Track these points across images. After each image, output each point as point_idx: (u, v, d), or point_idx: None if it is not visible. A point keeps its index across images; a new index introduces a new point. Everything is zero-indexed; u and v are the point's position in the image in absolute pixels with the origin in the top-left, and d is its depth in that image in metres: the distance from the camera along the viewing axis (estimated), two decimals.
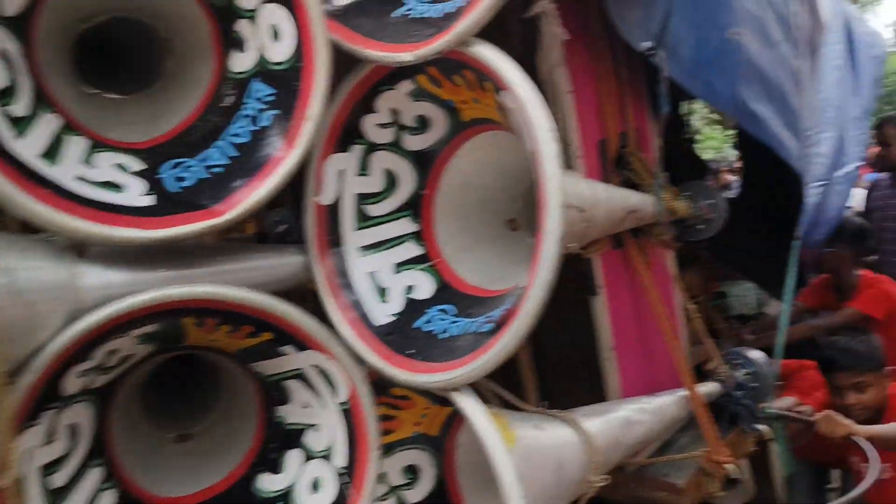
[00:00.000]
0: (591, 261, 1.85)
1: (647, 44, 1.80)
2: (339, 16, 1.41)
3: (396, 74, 1.41)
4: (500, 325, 1.29)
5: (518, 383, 1.86)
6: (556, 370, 2.07)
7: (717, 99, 1.93)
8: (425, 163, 1.53)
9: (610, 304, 1.88)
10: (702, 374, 2.14)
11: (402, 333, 1.42)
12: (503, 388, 2.07)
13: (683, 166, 3.19)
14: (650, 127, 2.06)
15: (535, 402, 1.98)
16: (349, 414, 1.40)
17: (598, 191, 1.60)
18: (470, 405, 1.29)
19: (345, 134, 1.48)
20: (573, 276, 1.89)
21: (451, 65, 1.33)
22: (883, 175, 3.85)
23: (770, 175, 2.65)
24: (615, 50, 1.91)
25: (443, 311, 1.45)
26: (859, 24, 3.55)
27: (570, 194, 1.39)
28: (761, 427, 1.97)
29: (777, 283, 2.81)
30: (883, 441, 2.07)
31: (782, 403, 2.35)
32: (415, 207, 1.54)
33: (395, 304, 1.47)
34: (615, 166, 1.93)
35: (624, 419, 1.70)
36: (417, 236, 1.54)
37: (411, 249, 1.53)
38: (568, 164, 1.81)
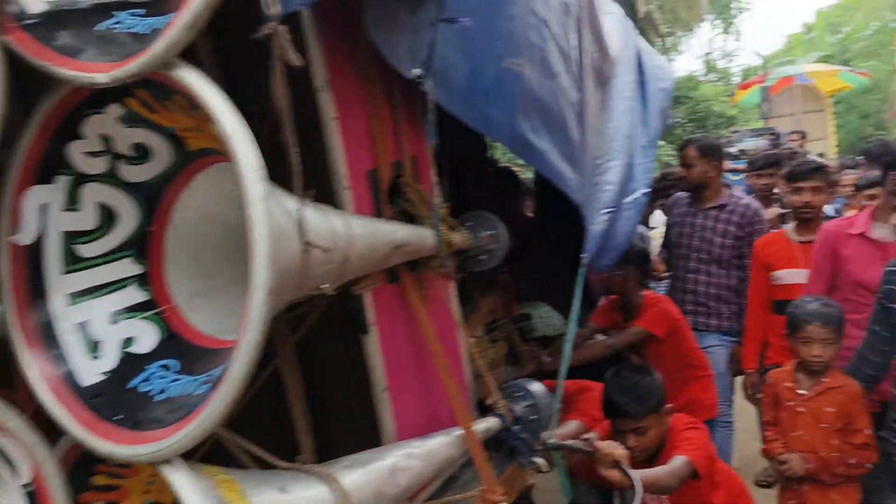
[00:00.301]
0: (361, 297, 1.74)
1: (416, 71, 1.73)
2: (30, 26, 1.19)
3: (103, 96, 1.21)
4: (216, 386, 1.13)
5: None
6: (335, 414, 1.95)
7: (493, 130, 1.89)
8: (150, 196, 1.34)
9: (383, 341, 1.78)
10: (487, 409, 2.11)
11: (112, 396, 1.22)
12: (275, 438, 1.92)
13: (488, 192, 3.20)
14: (430, 156, 1.99)
15: (311, 451, 1.85)
16: (34, 497, 1.18)
17: (353, 227, 1.48)
18: (179, 480, 1.11)
19: (46, 163, 1.26)
20: (343, 314, 1.78)
21: (161, 88, 1.16)
22: (683, 193, 4.07)
23: (565, 200, 2.69)
24: (388, 74, 1.82)
25: (165, 367, 1.26)
26: (650, 57, 3.74)
27: (311, 233, 1.27)
28: (538, 460, 1.95)
29: (570, 306, 2.87)
30: (650, 485, 2.09)
31: (566, 429, 2.37)
32: (139, 247, 1.34)
33: (108, 361, 1.27)
34: (389, 197, 1.84)
35: (389, 467, 1.60)
36: (142, 279, 1.34)
37: (133, 295, 1.33)
38: (332, 195, 1.70)
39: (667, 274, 4.10)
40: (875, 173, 4.43)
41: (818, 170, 3.39)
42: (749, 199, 3.98)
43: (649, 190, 3.22)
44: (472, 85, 1.85)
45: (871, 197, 3.94)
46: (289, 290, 1.24)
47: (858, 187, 4.20)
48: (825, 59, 23.17)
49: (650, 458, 2.30)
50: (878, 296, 2.58)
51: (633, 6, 22.62)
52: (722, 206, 3.81)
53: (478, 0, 1.86)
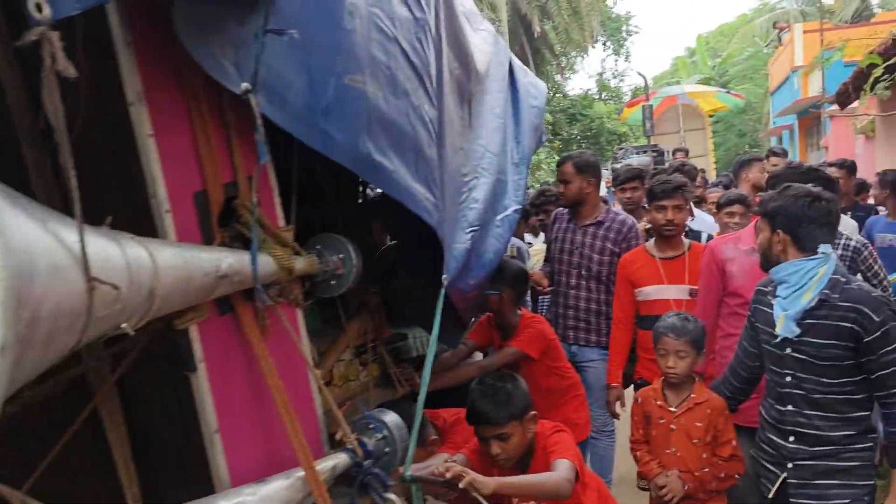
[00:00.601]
0: (187, 331, 1.58)
1: (244, 85, 1.60)
2: None
3: None
4: None
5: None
6: (164, 459, 1.77)
7: (334, 149, 1.77)
8: None
9: (213, 379, 1.62)
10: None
11: None
12: (98, 485, 1.72)
13: (354, 212, 3.08)
14: (271, 175, 1.86)
15: (137, 500, 1.67)
16: None
17: (161, 257, 1.33)
18: None
19: None
20: (169, 350, 1.62)
21: None
22: (563, 210, 4.10)
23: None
24: (220, 88, 1.68)
25: None
26: (523, 75, 3.74)
27: (98, 268, 1.11)
28: (392, 496, 1.83)
29: (441, 326, 2.78)
30: (520, 492, 2.05)
31: (434, 460, 2.28)
32: None
33: None
34: (222, 221, 1.69)
35: None
36: None
37: None
38: (150, 220, 1.54)
39: (551, 289, 4.11)
40: (736, 191, 4.64)
41: (680, 188, 3.46)
42: (625, 215, 4.07)
43: (521, 207, 3.20)
44: (311, 102, 1.73)
45: (731, 214, 4.11)
46: (67, 335, 1.08)
47: (719, 205, 4.37)
48: (706, 81, 24.62)
49: (523, 465, 2.25)
50: (748, 314, 2.63)
51: (529, 27, 23.22)
52: (599, 223, 3.88)
53: (315, 13, 1.74)
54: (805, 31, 17.79)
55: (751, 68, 26.06)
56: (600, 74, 31.69)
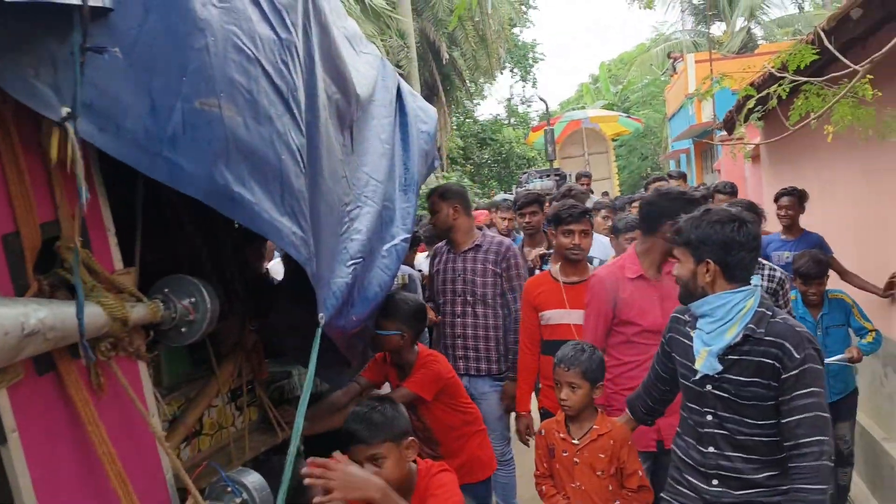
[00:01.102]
0: None
1: (65, 111, 1.39)
2: None
3: None
4: None
5: None
6: None
7: (185, 182, 1.57)
8: None
9: (29, 451, 1.39)
10: None
11: None
12: None
13: (220, 248, 2.86)
14: (105, 213, 1.64)
15: None
16: None
17: None
18: None
19: None
20: None
21: None
22: (442, 243, 4.02)
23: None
24: (37, 115, 1.46)
25: None
26: (412, 99, 3.63)
27: None
28: None
29: (323, 364, 2.59)
30: None
31: None
32: None
33: None
34: (41, 266, 1.46)
35: None
36: None
37: None
38: None
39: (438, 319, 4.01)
40: (634, 215, 4.66)
41: (586, 213, 3.44)
42: (501, 238, 4.06)
43: (410, 235, 3.06)
44: (153, 129, 1.52)
45: (632, 240, 4.11)
46: None
47: (617, 229, 4.36)
48: (609, 107, 25.49)
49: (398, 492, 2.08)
50: (662, 339, 2.51)
51: (437, 53, 23.43)
52: (478, 247, 3.85)
53: (157, 30, 1.54)
54: (697, 61, 18.70)
55: (649, 95, 27.21)
56: (508, 100, 32.36)
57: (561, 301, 3.44)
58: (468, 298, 3.80)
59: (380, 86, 3.25)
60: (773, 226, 5.30)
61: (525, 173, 12.79)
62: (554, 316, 3.44)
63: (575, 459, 2.63)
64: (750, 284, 2.15)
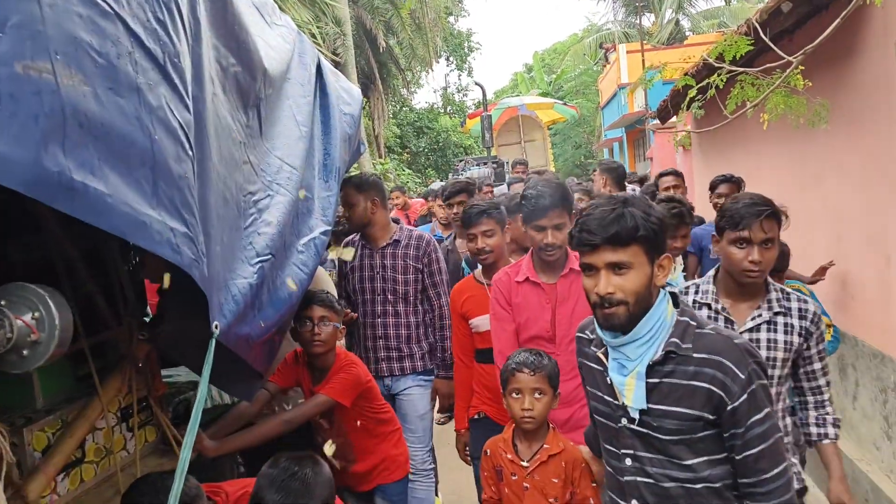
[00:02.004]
0: None
1: None
2: None
3: None
4: None
5: None
6: None
7: (3, 172, 1.19)
8: None
9: None
10: None
11: None
12: None
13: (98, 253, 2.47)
14: None
15: None
16: None
17: None
18: None
19: None
20: None
21: None
22: (355, 237, 3.69)
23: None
24: None
25: None
26: (335, 79, 3.28)
27: None
28: None
29: (230, 378, 2.24)
30: None
31: None
32: None
33: None
34: None
35: None
36: None
37: None
38: None
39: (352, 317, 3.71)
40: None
41: (486, 212, 3.09)
42: (420, 231, 3.76)
43: (331, 227, 2.73)
44: None
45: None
46: None
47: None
48: (543, 96, 25.40)
49: None
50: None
51: (374, 41, 22.93)
52: (396, 242, 3.56)
53: None
54: (628, 52, 18.82)
55: (582, 84, 27.33)
56: (445, 89, 32.01)
57: (487, 305, 3.06)
58: (389, 297, 3.50)
59: (296, 62, 2.89)
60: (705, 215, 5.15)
61: (462, 160, 12.46)
62: (483, 322, 3.08)
63: (525, 484, 2.32)
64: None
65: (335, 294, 3.36)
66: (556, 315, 2.58)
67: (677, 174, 5.08)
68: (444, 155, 26.32)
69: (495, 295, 2.73)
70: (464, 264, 4.36)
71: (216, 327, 1.75)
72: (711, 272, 2.41)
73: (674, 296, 1.68)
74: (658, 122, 10.39)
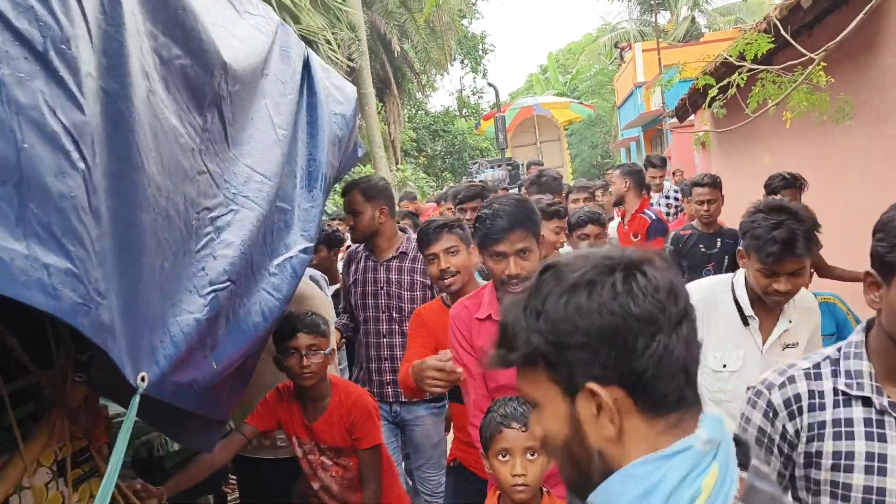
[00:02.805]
0: None
1: None
2: None
3: None
4: None
5: None
6: None
7: None
8: None
9: None
10: None
11: None
12: None
13: None
14: None
15: None
16: None
17: None
18: None
19: None
20: None
21: None
22: (357, 246, 3.32)
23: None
24: None
25: None
26: (325, 75, 2.91)
27: None
28: None
29: (182, 428, 1.88)
30: None
31: None
32: None
33: None
34: None
35: None
36: None
37: None
38: None
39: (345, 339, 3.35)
40: (587, 207, 4.03)
41: (446, 227, 2.53)
42: None
43: (312, 244, 2.35)
44: None
45: (585, 236, 3.47)
46: None
47: (570, 225, 3.65)
48: (559, 97, 24.90)
49: None
50: None
51: (389, 46, 22.66)
52: (403, 255, 3.16)
53: None
54: (644, 50, 18.29)
55: (598, 84, 26.79)
56: (460, 91, 31.59)
57: None
58: (394, 315, 3.11)
59: (276, 57, 2.52)
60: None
61: (476, 163, 12.00)
62: None
63: None
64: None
65: (332, 315, 2.98)
66: None
67: (714, 185, 4.14)
68: (460, 158, 25.92)
69: (454, 334, 2.16)
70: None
71: (143, 379, 1.38)
72: (856, 333, 1.38)
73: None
74: (676, 120, 9.99)
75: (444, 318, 2.41)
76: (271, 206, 2.13)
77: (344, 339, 3.36)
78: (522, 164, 10.63)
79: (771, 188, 3.71)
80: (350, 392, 2.43)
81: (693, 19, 23.98)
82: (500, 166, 10.40)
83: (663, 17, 24.90)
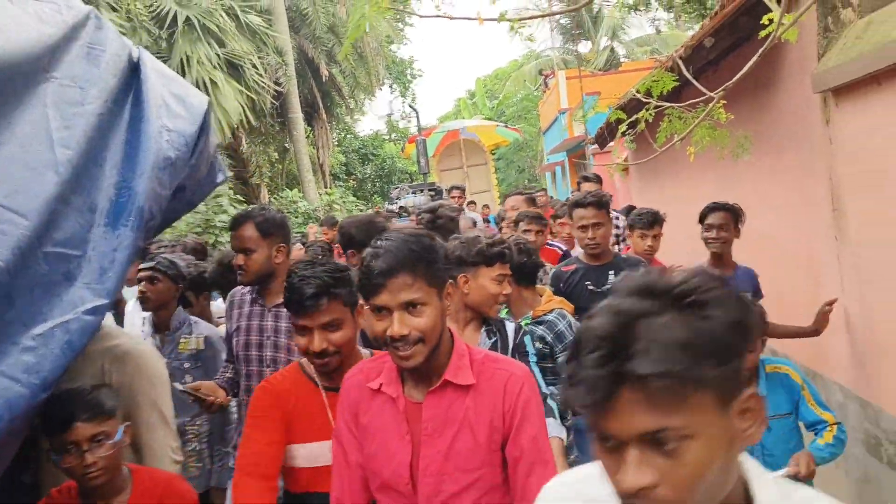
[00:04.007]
0: None
1: None
2: None
3: None
4: None
5: None
6: None
7: None
8: None
9: None
10: None
11: None
12: None
13: None
14: None
15: None
16: None
17: None
18: None
19: None
20: None
21: None
22: (243, 289, 2.72)
23: None
24: None
25: None
26: (163, 83, 2.29)
27: None
28: None
29: None
30: None
31: None
32: None
33: None
34: None
35: None
36: None
37: None
38: None
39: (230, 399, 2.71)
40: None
41: (324, 295, 1.86)
42: None
43: (109, 301, 1.72)
44: None
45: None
46: None
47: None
48: (486, 121, 24.74)
49: None
50: None
51: (316, 70, 22.02)
52: None
53: None
54: (567, 78, 18.28)
55: (524, 109, 26.81)
56: (389, 116, 31.15)
57: (324, 422, 1.79)
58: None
59: (73, 56, 1.91)
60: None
61: (397, 188, 11.41)
62: (312, 453, 1.82)
63: None
64: None
65: (162, 374, 2.30)
66: (426, 457, 1.46)
67: (600, 205, 3.25)
68: (389, 181, 25.41)
69: (341, 406, 1.59)
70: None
71: None
72: None
73: None
74: (597, 146, 9.84)
75: (304, 392, 1.84)
76: (27, 253, 1.50)
77: (230, 399, 2.72)
78: (444, 190, 10.16)
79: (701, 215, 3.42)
80: (156, 480, 1.81)
81: (612, 49, 24.33)
82: (422, 191, 9.88)
83: (584, 47, 25.21)
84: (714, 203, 3.40)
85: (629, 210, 5.35)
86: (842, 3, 3.23)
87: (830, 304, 3.08)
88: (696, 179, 5.51)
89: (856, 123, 3.02)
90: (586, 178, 6.20)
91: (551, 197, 10.88)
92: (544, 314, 2.74)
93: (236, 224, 2.62)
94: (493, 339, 2.31)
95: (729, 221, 3.30)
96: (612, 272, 3.18)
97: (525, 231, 3.94)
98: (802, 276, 3.66)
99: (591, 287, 3.16)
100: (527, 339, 2.37)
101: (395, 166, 25.87)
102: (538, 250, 3.56)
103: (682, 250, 4.82)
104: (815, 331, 3.12)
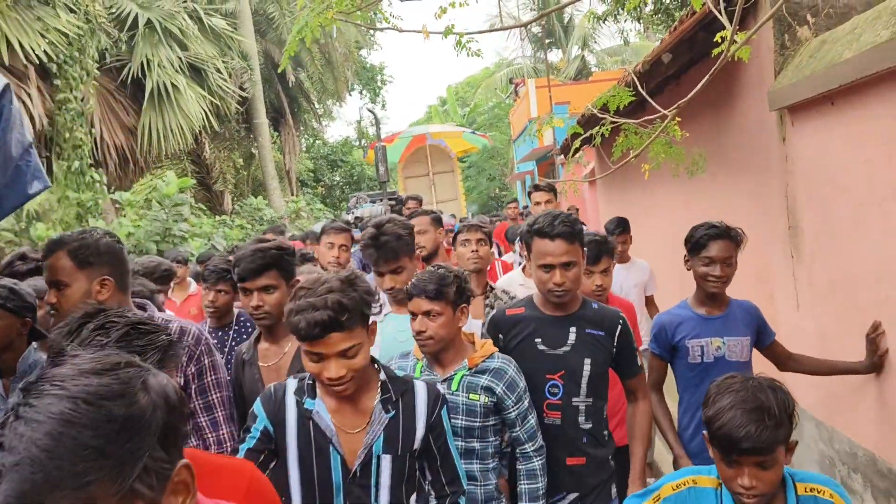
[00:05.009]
0: None
1: None
2: None
3: None
4: None
5: None
6: None
7: None
8: None
9: None
10: None
11: None
12: None
13: None
14: None
15: None
16: None
17: None
18: None
19: None
20: None
21: None
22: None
23: None
24: None
25: None
26: None
27: None
28: None
29: None
30: None
31: None
32: None
33: None
34: None
35: None
36: None
37: None
38: None
39: None
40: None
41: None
42: (184, 323, 2.24)
43: None
44: None
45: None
46: None
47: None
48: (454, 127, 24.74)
49: None
50: None
51: (283, 75, 21.82)
52: None
53: None
54: (538, 87, 18.39)
55: (495, 117, 26.95)
56: (359, 122, 31.06)
57: None
58: None
59: None
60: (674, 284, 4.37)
61: (354, 197, 11.25)
62: None
63: None
64: None
65: None
66: None
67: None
68: (359, 188, 25.30)
69: None
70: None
71: None
72: None
73: None
74: (564, 157, 9.89)
75: None
76: None
77: None
78: (404, 199, 10.08)
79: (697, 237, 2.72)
80: None
81: (583, 58, 24.58)
82: (381, 200, 9.73)
83: (556, 56, 25.44)
84: (713, 227, 2.63)
85: (619, 224, 4.65)
86: (798, 21, 3.26)
87: (877, 332, 2.53)
88: (659, 191, 5.51)
89: (811, 141, 3.03)
90: (537, 188, 5.07)
91: (525, 207, 10.83)
92: (484, 360, 2.19)
93: (46, 253, 2.11)
94: (392, 413, 1.78)
95: (733, 253, 2.61)
96: (573, 328, 2.31)
97: (464, 242, 3.40)
98: (760, 293, 3.65)
99: (541, 347, 2.31)
100: (444, 413, 1.87)
101: (364, 173, 25.78)
102: (482, 267, 3.34)
103: (647, 256, 4.83)
104: (868, 367, 2.57)
